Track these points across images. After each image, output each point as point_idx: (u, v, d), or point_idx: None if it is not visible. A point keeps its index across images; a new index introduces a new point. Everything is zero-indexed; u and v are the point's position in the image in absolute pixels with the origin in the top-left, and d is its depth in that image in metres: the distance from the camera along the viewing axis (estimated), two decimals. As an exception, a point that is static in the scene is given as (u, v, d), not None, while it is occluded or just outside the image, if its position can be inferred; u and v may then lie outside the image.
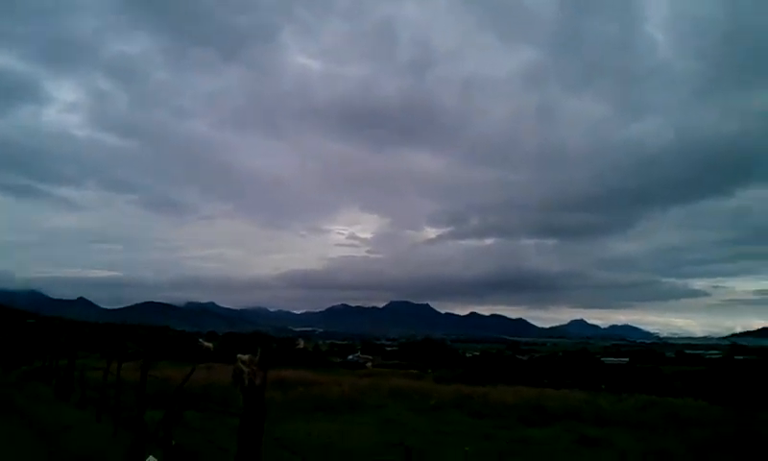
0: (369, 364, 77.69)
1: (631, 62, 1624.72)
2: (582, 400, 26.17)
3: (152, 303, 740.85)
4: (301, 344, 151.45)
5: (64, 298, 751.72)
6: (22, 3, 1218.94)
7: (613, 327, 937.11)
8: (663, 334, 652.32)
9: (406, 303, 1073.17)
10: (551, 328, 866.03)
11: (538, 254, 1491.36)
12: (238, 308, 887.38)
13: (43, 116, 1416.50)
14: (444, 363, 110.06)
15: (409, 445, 15.95)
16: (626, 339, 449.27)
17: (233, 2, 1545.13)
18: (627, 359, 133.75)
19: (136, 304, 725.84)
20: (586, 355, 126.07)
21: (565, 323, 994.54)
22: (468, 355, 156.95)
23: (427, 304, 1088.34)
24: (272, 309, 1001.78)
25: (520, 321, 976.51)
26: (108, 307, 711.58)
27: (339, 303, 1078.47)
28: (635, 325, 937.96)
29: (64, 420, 19.63)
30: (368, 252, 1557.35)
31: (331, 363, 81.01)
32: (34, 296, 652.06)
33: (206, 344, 72.00)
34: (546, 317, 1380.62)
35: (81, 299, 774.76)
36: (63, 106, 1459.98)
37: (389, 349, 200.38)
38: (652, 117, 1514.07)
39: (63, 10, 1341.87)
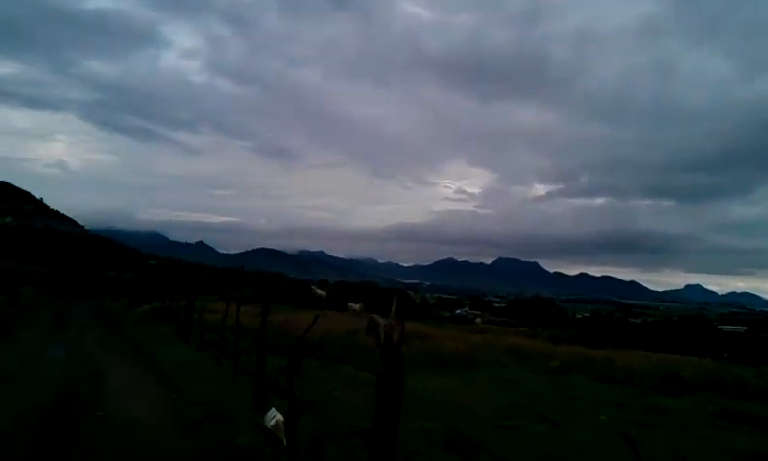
0: (478, 320, 75.98)
1: (756, 15, 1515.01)
2: (722, 370, 23.78)
3: (265, 249, 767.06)
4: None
5: (183, 240, 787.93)
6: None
7: (732, 294, 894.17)
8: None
9: (514, 260, 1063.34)
10: (665, 292, 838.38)
11: (652, 214, 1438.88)
12: (348, 258, 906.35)
13: (162, 61, 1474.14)
14: (554, 323, 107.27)
15: (537, 410, 14.77)
16: (745, 307, 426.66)
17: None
18: (745, 328, 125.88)
19: (251, 250, 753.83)
20: (702, 321, 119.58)
21: (681, 287, 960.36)
22: (578, 316, 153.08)
23: (536, 263, 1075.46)
24: (380, 260, 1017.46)
25: (633, 283, 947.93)
26: (225, 252, 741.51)
27: (446, 258, 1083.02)
28: (755, 292, 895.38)
29: (185, 361, 19.65)
30: (475, 206, 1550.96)
31: (440, 316, 79.56)
32: (154, 237, 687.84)
33: (319, 291, 72.59)
34: (660, 281, 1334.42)
35: (199, 243, 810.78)
36: (181, 51, 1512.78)
37: (497, 305, 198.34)
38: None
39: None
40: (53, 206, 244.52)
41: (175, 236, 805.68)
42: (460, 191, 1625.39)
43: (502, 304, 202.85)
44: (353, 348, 24.29)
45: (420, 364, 21.85)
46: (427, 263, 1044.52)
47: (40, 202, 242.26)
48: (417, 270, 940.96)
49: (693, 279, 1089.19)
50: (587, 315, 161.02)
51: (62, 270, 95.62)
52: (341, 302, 67.66)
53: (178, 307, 30.64)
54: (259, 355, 13.28)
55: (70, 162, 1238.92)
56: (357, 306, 55.88)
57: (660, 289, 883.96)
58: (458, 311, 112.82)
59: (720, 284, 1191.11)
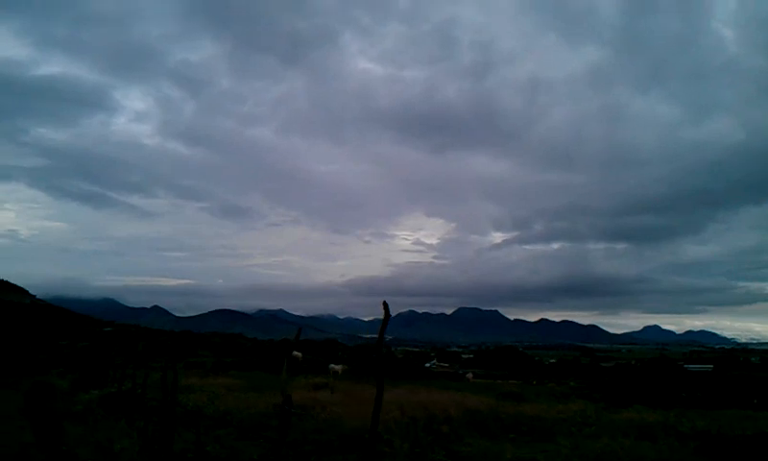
0: (469, 375, 70.80)
1: (699, 60, 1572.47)
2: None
3: (224, 310, 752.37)
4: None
5: (139, 305, 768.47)
6: (87, 11, 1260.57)
7: (689, 332, 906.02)
8: (742, 339, 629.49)
9: (474, 308, 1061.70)
10: (624, 334, 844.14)
11: (607, 258, 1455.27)
12: (308, 315, 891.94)
13: (113, 125, 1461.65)
14: (526, 371, 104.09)
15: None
16: (704, 345, 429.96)
17: (293, 7, 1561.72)
18: (711, 366, 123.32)
19: (209, 312, 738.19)
20: (666, 362, 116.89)
21: (639, 329, 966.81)
22: (545, 363, 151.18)
23: (496, 310, 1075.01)
24: (341, 316, 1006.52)
25: (592, 327, 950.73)
26: (182, 315, 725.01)
27: (407, 310, 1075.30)
28: (711, 330, 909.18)
29: None
30: (434, 257, 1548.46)
31: (431, 374, 73.96)
32: (109, 304, 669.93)
33: (295, 353, 66.47)
34: (619, 323, 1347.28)
35: (155, 307, 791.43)
36: (133, 114, 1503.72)
37: (465, 356, 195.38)
38: (721, 116, 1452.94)
39: (128, 18, 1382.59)
40: (2, 275, 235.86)
41: (130, 302, 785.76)
42: (418, 242, 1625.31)
43: (469, 355, 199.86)
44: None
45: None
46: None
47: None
48: (378, 323, 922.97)
49: (650, 319, 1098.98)
50: (552, 361, 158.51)
51: (8, 342, 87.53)
52: (320, 363, 62.00)
53: (143, 392, 22.03)
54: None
55: (20, 231, 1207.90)
56: (339, 367, 50.18)
57: (618, 332, 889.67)
58: (426, 364, 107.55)
59: (677, 324, 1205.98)
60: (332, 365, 52.30)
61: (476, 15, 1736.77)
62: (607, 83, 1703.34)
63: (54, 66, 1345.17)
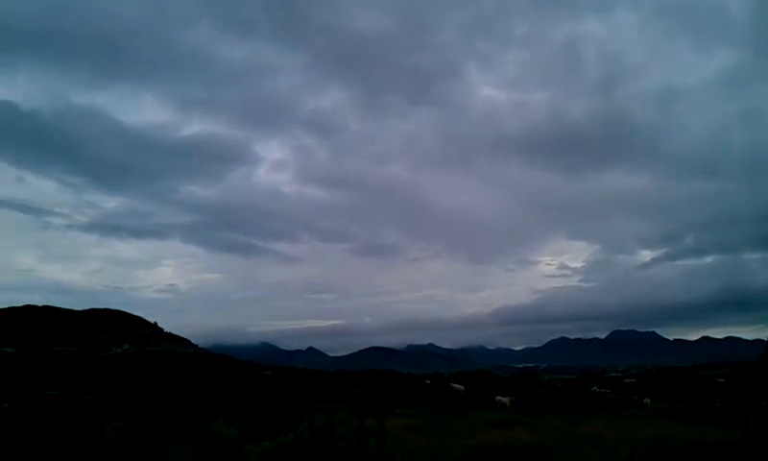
0: (646, 400, 65.89)
1: None
2: None
3: (375, 347, 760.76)
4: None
5: (294, 348, 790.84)
6: (221, 71, 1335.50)
7: None
8: None
9: (630, 331, 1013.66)
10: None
11: (766, 267, 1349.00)
12: (457, 348, 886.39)
13: (254, 177, 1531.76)
14: (697, 394, 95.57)
15: None
16: None
17: (413, 43, 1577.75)
18: None
19: (361, 350, 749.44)
20: None
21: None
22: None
23: (653, 332, 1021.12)
24: (490, 347, 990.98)
25: (758, 342, 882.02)
26: (335, 355, 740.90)
27: (557, 336, 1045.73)
28: None
29: None
30: (580, 281, 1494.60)
31: (605, 402, 68.73)
32: (266, 348, 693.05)
33: (456, 386, 64.86)
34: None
35: (309, 348, 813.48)
36: (271, 165, 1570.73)
37: (626, 381, 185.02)
38: None
39: (259, 73, 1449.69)
40: (167, 328, 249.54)
41: (285, 345, 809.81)
42: (562, 266, 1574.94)
43: (632, 380, 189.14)
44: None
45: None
46: (539, 345, 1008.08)
47: (155, 326, 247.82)
48: (529, 352, 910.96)
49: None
50: (722, 381, 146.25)
51: (177, 391, 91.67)
52: (482, 396, 59.60)
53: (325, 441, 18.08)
54: None
55: (179, 285, 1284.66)
56: (506, 400, 47.65)
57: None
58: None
59: None
60: (499, 397, 49.94)
61: (599, 29, 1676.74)
62: (744, 84, 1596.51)
63: (195, 126, 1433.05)
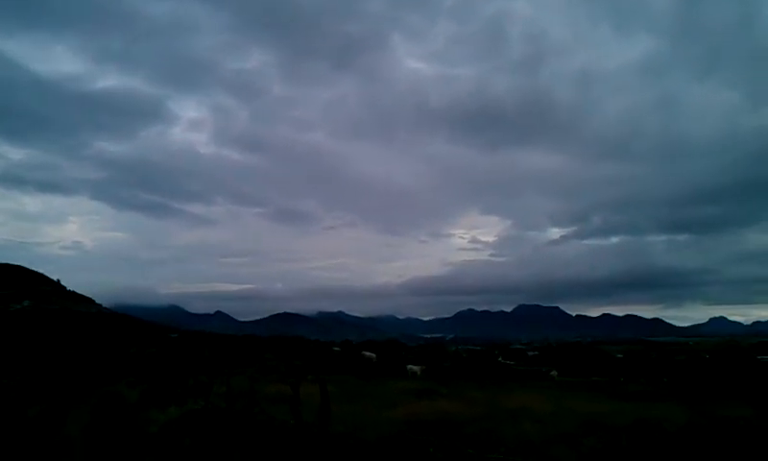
0: (553, 373, 67.47)
1: (757, 44, 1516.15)
2: None
3: (285, 313, 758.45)
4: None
5: (202, 311, 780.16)
6: (141, 25, 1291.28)
7: (757, 323, 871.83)
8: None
9: (535, 306, 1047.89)
10: (690, 327, 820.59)
11: (669, 250, 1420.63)
12: (367, 316, 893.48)
13: (170, 135, 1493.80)
14: (597, 369, 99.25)
15: None
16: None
17: (342, 11, 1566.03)
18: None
19: (271, 316, 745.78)
20: (739, 352, 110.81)
21: (704, 321, 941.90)
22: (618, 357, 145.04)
23: (557, 307, 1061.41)
24: (400, 317, 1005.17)
25: (656, 320, 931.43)
26: (244, 320, 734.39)
27: (466, 308, 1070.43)
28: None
29: None
30: (491, 255, 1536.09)
31: (513, 374, 69.58)
32: (173, 311, 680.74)
33: (368, 354, 64.89)
34: (683, 316, 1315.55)
35: (218, 312, 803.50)
36: (188, 124, 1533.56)
37: (530, 354, 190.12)
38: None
39: (181, 30, 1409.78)
40: (70, 286, 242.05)
41: (193, 308, 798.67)
42: (474, 240, 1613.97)
43: (535, 352, 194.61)
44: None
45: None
46: (447, 316, 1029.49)
47: (57, 283, 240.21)
48: (437, 323, 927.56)
49: (716, 311, 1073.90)
50: (620, 356, 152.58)
51: (78, 351, 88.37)
52: (393, 364, 59.76)
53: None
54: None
55: (84, 242, 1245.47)
56: (417, 369, 47.87)
57: (684, 324, 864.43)
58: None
59: (744, 314, 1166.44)
60: (410, 366, 50.17)
61: (525, 8, 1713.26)
62: (662, 72, 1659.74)
63: (110, 80, 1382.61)
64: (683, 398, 32.29)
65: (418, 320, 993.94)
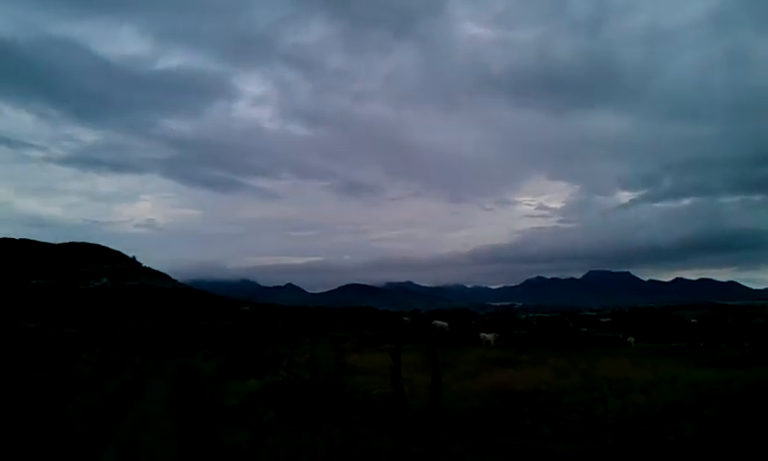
0: (630, 339, 65.50)
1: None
2: None
3: (353, 284, 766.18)
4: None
5: (273, 284, 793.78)
6: (203, 3, 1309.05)
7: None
8: None
9: (605, 271, 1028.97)
10: (766, 290, 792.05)
11: (743, 210, 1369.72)
12: (435, 286, 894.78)
13: (233, 112, 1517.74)
14: (670, 335, 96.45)
15: None
16: None
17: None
18: None
19: (339, 287, 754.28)
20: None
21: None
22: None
23: (628, 272, 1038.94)
24: (468, 285, 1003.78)
25: (731, 284, 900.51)
26: (314, 292, 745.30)
27: (534, 276, 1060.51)
28: None
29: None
30: (559, 221, 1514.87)
31: (591, 341, 67.33)
32: (245, 284, 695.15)
33: (440, 323, 64.49)
34: (760, 278, 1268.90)
35: (288, 285, 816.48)
36: (252, 100, 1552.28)
37: (602, 320, 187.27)
38: None
39: (241, 7, 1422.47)
40: (145, 263, 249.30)
41: (264, 281, 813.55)
42: (541, 207, 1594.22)
43: (606, 319, 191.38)
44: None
45: None
46: (516, 284, 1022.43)
47: (133, 260, 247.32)
48: (506, 291, 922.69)
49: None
50: (694, 321, 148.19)
51: (155, 325, 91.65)
52: (465, 333, 59.27)
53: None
54: None
55: (157, 220, 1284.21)
56: (491, 337, 47.20)
57: (761, 287, 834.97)
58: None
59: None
60: (483, 334, 49.51)
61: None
62: (729, 26, 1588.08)
63: (174, 59, 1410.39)
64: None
65: (486, 288, 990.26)
